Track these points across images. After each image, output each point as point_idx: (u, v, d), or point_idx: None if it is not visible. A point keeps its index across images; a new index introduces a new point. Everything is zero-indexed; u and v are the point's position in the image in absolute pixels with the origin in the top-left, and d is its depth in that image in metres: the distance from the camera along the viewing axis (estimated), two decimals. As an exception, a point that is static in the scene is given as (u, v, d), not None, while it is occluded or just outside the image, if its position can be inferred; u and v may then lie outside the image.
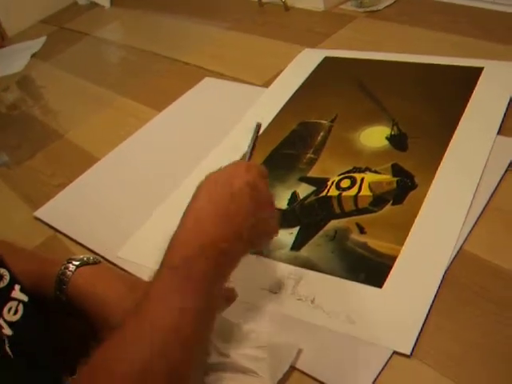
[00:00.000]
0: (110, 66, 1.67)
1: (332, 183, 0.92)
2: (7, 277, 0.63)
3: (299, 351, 0.69)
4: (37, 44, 1.92)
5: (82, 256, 0.74)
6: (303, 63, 1.29)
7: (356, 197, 0.89)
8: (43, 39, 1.95)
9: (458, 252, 0.76)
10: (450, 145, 0.93)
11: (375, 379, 0.65)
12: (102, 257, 0.90)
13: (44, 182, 1.16)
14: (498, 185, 0.84)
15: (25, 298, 0.64)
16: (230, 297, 0.69)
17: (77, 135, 1.30)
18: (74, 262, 0.73)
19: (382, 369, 0.66)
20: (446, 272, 0.74)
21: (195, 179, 0.99)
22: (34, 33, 2.07)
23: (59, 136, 1.32)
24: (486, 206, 0.81)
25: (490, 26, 1.25)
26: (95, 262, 0.74)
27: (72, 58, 1.77)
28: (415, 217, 0.82)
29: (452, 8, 1.38)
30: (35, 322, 0.65)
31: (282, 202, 0.92)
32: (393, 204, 0.86)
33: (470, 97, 1.02)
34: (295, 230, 0.86)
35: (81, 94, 1.50)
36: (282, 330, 0.71)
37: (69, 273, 0.71)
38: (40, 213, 1.06)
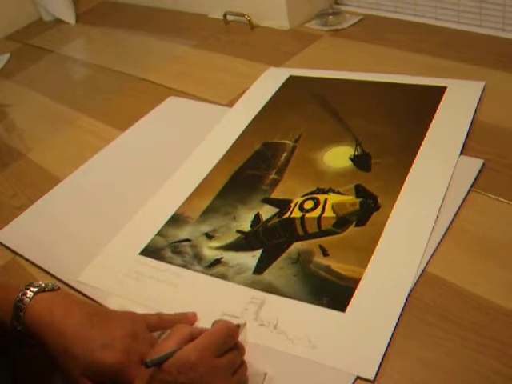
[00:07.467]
0: (75, 84, 1.65)
1: (295, 205, 0.92)
2: None
3: (265, 376, 0.68)
4: (0, 61, 1.89)
5: (40, 282, 0.72)
6: (268, 82, 1.29)
7: (319, 218, 0.88)
8: (7, 56, 1.92)
9: (421, 274, 0.76)
10: (413, 165, 0.93)
11: (338, 406, 0.64)
12: (63, 281, 0.88)
13: (5, 204, 1.14)
14: (460, 205, 0.84)
15: None
16: None
17: (39, 154, 1.28)
18: (32, 289, 0.70)
19: (345, 395, 0.65)
20: (409, 294, 0.73)
21: (159, 200, 1.00)
22: (-3, 49, 2.04)
23: (21, 155, 1.29)
24: (449, 226, 0.81)
25: (454, 46, 1.27)
26: (53, 289, 0.72)
27: (36, 75, 1.74)
28: (378, 238, 0.82)
29: (417, 27, 1.39)
30: None
31: (245, 224, 0.91)
32: (356, 225, 0.85)
33: (433, 116, 1.03)
34: (258, 253, 0.85)
35: (44, 112, 1.47)
36: (245, 356, 0.70)
37: (26, 299, 0.69)
38: (0, 236, 1.04)
